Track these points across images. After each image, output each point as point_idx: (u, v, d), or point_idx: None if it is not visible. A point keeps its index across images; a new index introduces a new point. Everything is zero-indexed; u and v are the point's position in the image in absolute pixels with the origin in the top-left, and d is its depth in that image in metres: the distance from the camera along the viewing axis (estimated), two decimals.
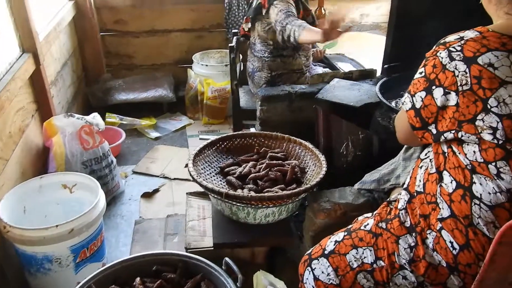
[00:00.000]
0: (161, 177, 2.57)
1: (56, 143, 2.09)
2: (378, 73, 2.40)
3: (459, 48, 0.94)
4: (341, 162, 1.94)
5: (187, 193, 1.96)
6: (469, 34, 0.96)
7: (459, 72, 0.93)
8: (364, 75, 2.40)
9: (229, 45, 2.41)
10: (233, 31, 2.68)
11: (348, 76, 2.38)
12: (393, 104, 1.99)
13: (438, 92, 0.97)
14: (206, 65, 3.15)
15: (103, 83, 3.21)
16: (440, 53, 0.97)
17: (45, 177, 1.87)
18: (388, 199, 1.31)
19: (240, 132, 1.98)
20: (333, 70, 2.64)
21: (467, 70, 0.92)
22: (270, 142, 1.95)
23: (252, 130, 2.46)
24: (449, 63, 0.95)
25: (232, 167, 1.80)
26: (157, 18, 3.26)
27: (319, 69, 2.64)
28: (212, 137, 1.92)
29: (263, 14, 2.29)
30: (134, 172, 2.62)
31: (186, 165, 2.64)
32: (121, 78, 3.30)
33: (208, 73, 3.13)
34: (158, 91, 3.20)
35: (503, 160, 0.92)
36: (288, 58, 2.38)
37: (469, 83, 0.92)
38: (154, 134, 3.02)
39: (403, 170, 1.44)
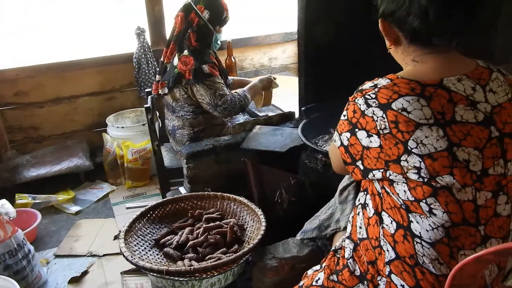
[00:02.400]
0: (88, 255, 2.35)
1: None
2: (297, 115, 2.47)
3: (373, 96, 0.99)
4: (278, 211, 1.92)
5: (121, 273, 1.80)
6: (382, 82, 1.01)
7: (377, 117, 0.97)
8: (284, 118, 2.45)
9: (145, 106, 2.34)
10: (146, 90, 2.61)
11: (268, 121, 2.42)
12: (321, 142, 2.04)
13: (361, 134, 1.01)
14: (122, 127, 3.02)
15: (8, 161, 2.92)
16: (358, 99, 1.02)
17: None
18: (333, 248, 1.30)
19: (170, 197, 1.89)
20: (253, 117, 2.67)
21: (384, 116, 0.96)
22: (203, 203, 1.88)
23: (181, 189, 2.37)
24: (367, 109, 0.99)
25: (168, 237, 1.69)
26: (61, 85, 3.08)
27: (240, 118, 2.65)
28: (141, 204, 1.81)
29: (183, 84, 2.27)
30: (57, 256, 2.36)
31: (116, 237, 2.49)
32: (29, 152, 3.03)
33: (125, 135, 2.99)
34: (73, 161, 2.98)
35: (432, 196, 0.95)
36: (210, 113, 2.36)
37: (388, 127, 0.95)
38: (74, 209, 2.78)
39: (341, 213, 1.45)
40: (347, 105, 1.06)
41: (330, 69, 2.21)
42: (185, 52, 2.25)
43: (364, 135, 1.00)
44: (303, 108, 2.27)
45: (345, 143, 1.06)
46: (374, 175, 1.02)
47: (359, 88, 1.05)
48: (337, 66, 2.17)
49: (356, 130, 1.02)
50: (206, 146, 2.20)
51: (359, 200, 1.19)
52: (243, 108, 2.35)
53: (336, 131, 1.11)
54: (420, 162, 0.93)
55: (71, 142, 3.16)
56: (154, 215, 1.80)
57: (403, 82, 0.98)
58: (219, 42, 2.40)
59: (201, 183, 2.22)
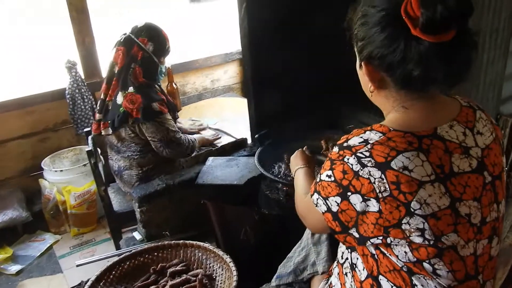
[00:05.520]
0: None
1: None
2: (249, 140, 2.39)
3: (367, 154, 0.87)
4: (246, 251, 1.82)
5: None
6: (373, 136, 0.90)
7: (375, 179, 0.86)
8: (237, 146, 2.37)
9: (87, 150, 2.15)
10: (85, 130, 2.40)
11: (221, 151, 2.32)
12: (278, 170, 1.97)
13: (356, 198, 0.89)
14: (61, 170, 2.76)
15: None
16: (348, 159, 0.89)
17: None
18: None
19: (127, 252, 1.72)
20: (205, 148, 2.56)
21: (383, 176, 0.85)
22: (165, 254, 1.73)
23: (135, 234, 2.20)
24: (361, 169, 0.87)
25: None
26: None
27: None
28: (92, 259, 1.63)
29: (130, 123, 2.14)
30: None
31: None
32: None
33: (65, 179, 2.74)
34: (7, 213, 2.68)
35: (437, 257, 0.89)
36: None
37: (388, 189, 0.85)
38: (14, 268, 2.50)
39: (316, 256, 1.37)
40: (330, 163, 0.93)
41: (279, 93, 2.17)
42: (130, 89, 2.12)
43: (359, 199, 0.88)
44: (256, 136, 2.20)
45: (334, 209, 0.93)
46: (372, 243, 0.93)
47: (344, 144, 0.92)
48: (286, 89, 2.13)
49: (349, 193, 0.89)
50: (159, 186, 2.07)
51: (342, 257, 1.10)
52: (191, 152, 2.31)
53: (316, 193, 0.97)
54: (424, 223, 0.85)
55: (3, 191, 2.86)
56: (111, 276, 1.63)
57: (397, 135, 0.88)
58: (163, 74, 2.30)
59: (156, 226, 2.09)
